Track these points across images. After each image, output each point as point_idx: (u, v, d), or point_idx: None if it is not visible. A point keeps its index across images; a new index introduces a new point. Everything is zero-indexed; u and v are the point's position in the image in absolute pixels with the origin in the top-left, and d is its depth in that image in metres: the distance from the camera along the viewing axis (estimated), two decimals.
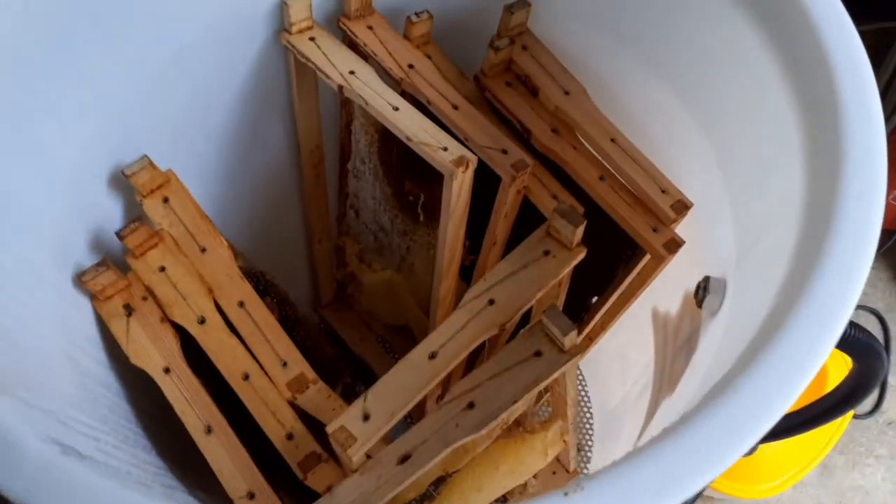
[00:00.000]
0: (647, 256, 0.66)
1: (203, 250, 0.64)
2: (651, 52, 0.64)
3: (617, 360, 0.88)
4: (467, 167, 0.60)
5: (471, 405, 0.53)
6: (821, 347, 0.37)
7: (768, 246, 0.50)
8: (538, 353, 0.54)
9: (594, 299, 0.76)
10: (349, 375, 0.83)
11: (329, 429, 0.51)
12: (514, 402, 0.53)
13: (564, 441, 0.73)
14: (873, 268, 0.83)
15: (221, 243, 0.64)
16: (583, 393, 1.02)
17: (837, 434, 1.05)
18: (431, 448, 0.52)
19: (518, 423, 0.65)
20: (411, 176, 0.78)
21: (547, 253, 0.57)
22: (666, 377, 0.66)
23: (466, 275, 0.82)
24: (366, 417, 0.52)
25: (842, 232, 0.40)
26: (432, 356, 0.54)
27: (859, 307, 1.34)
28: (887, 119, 1.19)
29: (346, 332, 1.08)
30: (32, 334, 0.47)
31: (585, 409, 1.02)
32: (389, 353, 1.10)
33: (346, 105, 0.82)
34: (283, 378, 0.58)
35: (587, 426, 1.00)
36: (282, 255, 0.99)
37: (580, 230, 0.56)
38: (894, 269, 1.38)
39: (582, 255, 0.58)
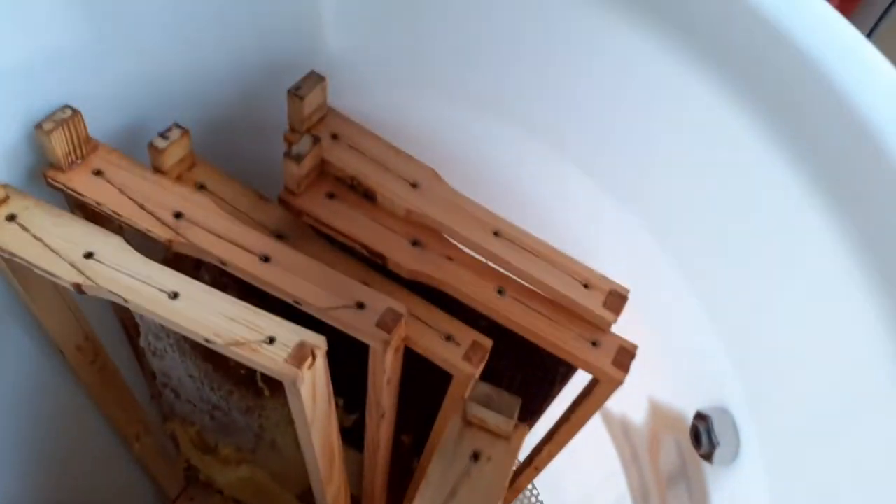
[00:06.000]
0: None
1: None
2: (523, 108, 0.46)
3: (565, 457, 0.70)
4: (314, 359, 0.39)
5: None
6: None
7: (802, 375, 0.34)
8: (475, 457, 0.35)
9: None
10: None
11: None
12: None
13: None
14: None
15: None
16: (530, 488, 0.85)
17: None
18: None
19: None
20: None
21: (477, 457, 0.37)
22: None
23: (349, 437, 0.61)
24: None
25: None
26: None
27: None
28: None
29: None
30: None
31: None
32: None
33: None
34: None
35: None
36: (97, 471, 0.72)
37: (516, 409, 0.36)
38: None
39: (527, 434, 0.38)
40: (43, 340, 0.57)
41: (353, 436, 0.60)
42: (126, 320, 0.60)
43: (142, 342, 0.62)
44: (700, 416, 0.39)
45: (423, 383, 0.53)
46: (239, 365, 0.58)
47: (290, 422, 0.62)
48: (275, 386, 0.58)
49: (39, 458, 0.65)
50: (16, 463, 0.63)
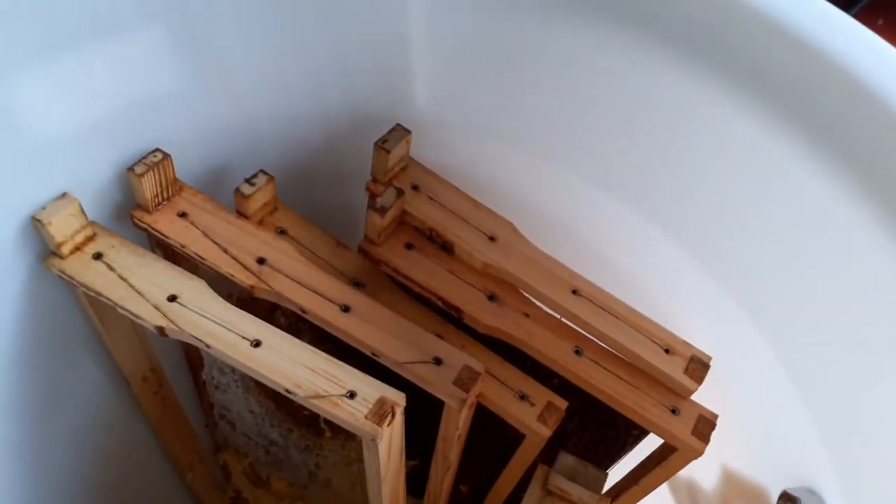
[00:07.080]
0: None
1: None
2: (596, 163, 0.46)
3: None
4: (393, 416, 0.39)
5: None
6: None
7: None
8: None
9: None
10: None
11: None
12: None
13: None
14: None
15: None
16: None
17: None
18: None
19: None
20: None
21: None
22: None
23: (407, 483, 0.60)
24: None
25: None
26: None
27: None
28: None
29: None
30: None
31: None
32: None
33: None
34: None
35: None
36: (147, 499, 0.73)
37: (603, 483, 0.36)
38: None
39: None
40: (111, 371, 0.58)
41: (409, 481, 0.60)
42: (191, 352, 0.61)
43: (204, 375, 0.63)
44: (787, 497, 0.38)
45: (487, 435, 0.52)
46: (303, 406, 0.58)
47: (347, 463, 0.63)
48: (336, 427, 0.58)
49: (94, 483, 0.66)
50: (70, 486, 0.64)
